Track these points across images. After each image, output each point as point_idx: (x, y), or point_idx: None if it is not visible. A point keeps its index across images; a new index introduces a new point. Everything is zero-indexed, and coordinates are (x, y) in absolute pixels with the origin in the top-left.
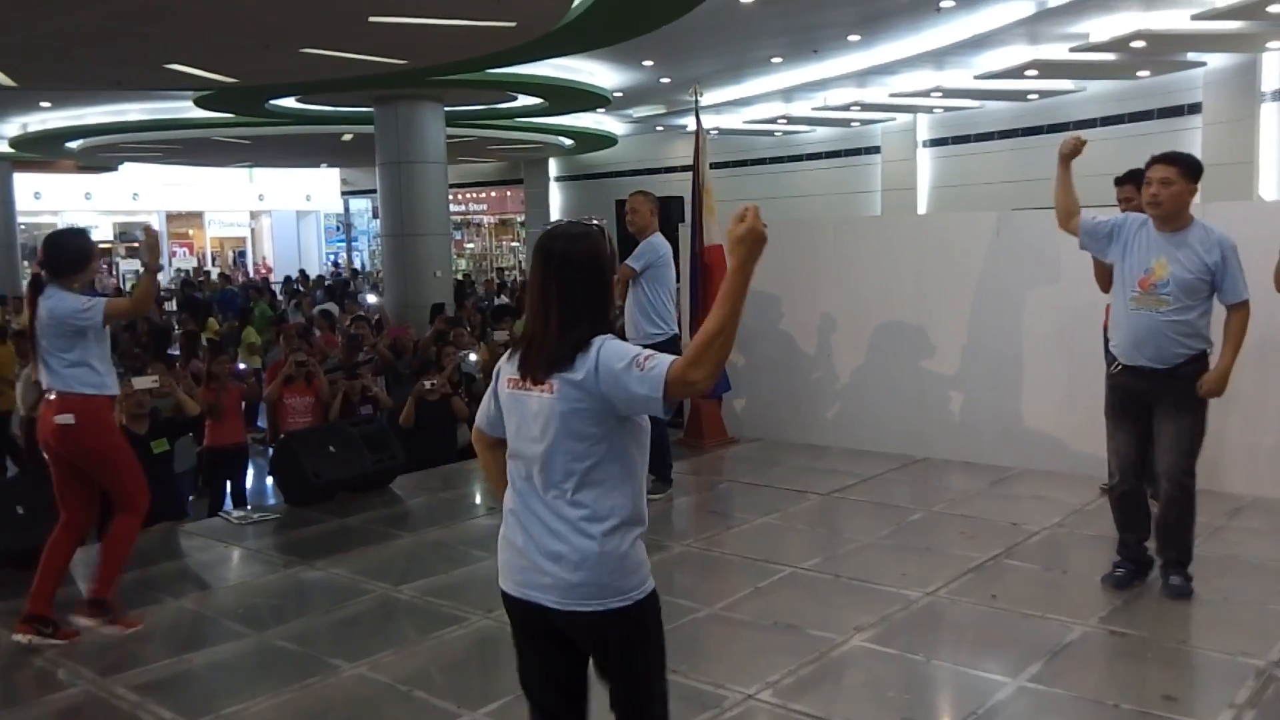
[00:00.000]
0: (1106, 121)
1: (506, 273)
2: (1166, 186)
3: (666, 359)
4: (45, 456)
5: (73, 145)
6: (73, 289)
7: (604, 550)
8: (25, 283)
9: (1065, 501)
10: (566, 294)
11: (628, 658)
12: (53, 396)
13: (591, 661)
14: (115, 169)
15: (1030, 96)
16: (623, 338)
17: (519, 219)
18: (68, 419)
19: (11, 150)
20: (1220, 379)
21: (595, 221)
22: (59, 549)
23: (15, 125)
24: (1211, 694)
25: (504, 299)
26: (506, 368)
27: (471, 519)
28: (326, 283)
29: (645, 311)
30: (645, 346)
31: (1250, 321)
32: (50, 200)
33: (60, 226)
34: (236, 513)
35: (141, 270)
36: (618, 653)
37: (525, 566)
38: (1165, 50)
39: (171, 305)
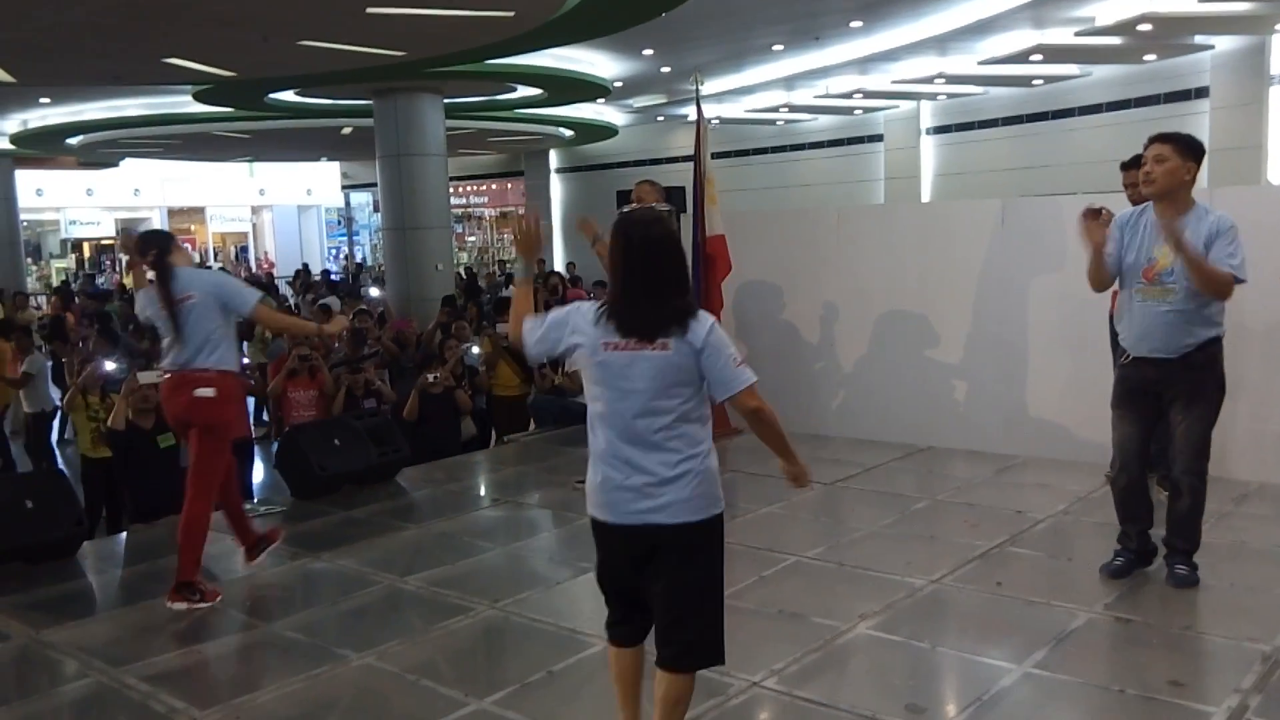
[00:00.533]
0: (1112, 107)
1: (509, 265)
2: (1160, 164)
3: (750, 376)
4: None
5: (73, 141)
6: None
7: (706, 467)
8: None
9: (1070, 489)
10: (651, 270)
11: (714, 551)
12: (205, 368)
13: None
14: (116, 165)
15: (1035, 82)
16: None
17: (520, 211)
18: (210, 392)
19: (12, 147)
20: (1171, 228)
21: (666, 208)
22: (226, 496)
23: (15, 121)
24: (1217, 679)
25: (508, 292)
26: (596, 333)
27: (476, 511)
28: (332, 277)
29: None
30: None
31: (1257, 308)
32: (52, 197)
33: (58, 222)
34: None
35: (312, 324)
36: (705, 548)
37: (637, 497)
38: (1172, 33)
39: None
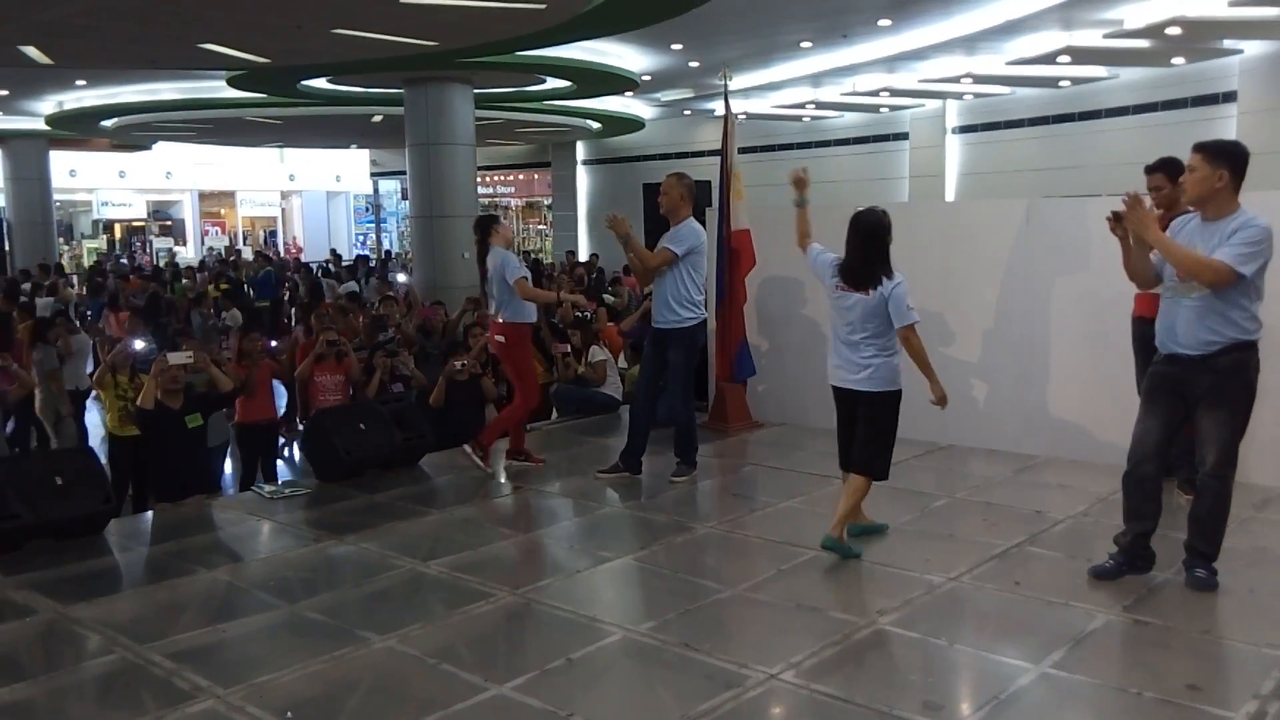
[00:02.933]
0: (1139, 109)
1: (533, 255)
2: (1191, 173)
3: (914, 318)
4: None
5: (107, 124)
6: (505, 249)
7: (886, 363)
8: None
9: (1090, 490)
10: (870, 246)
11: (888, 411)
12: (499, 320)
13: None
14: (149, 148)
15: (1062, 83)
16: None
17: (546, 202)
18: (500, 338)
19: (48, 128)
20: (1139, 212)
21: (882, 209)
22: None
23: (51, 103)
24: (1236, 684)
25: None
26: (834, 280)
27: (498, 497)
28: (370, 263)
29: (678, 297)
30: (670, 330)
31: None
32: (85, 178)
33: (90, 203)
34: (268, 487)
35: (553, 294)
36: (881, 409)
37: (849, 374)
38: (1201, 37)
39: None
